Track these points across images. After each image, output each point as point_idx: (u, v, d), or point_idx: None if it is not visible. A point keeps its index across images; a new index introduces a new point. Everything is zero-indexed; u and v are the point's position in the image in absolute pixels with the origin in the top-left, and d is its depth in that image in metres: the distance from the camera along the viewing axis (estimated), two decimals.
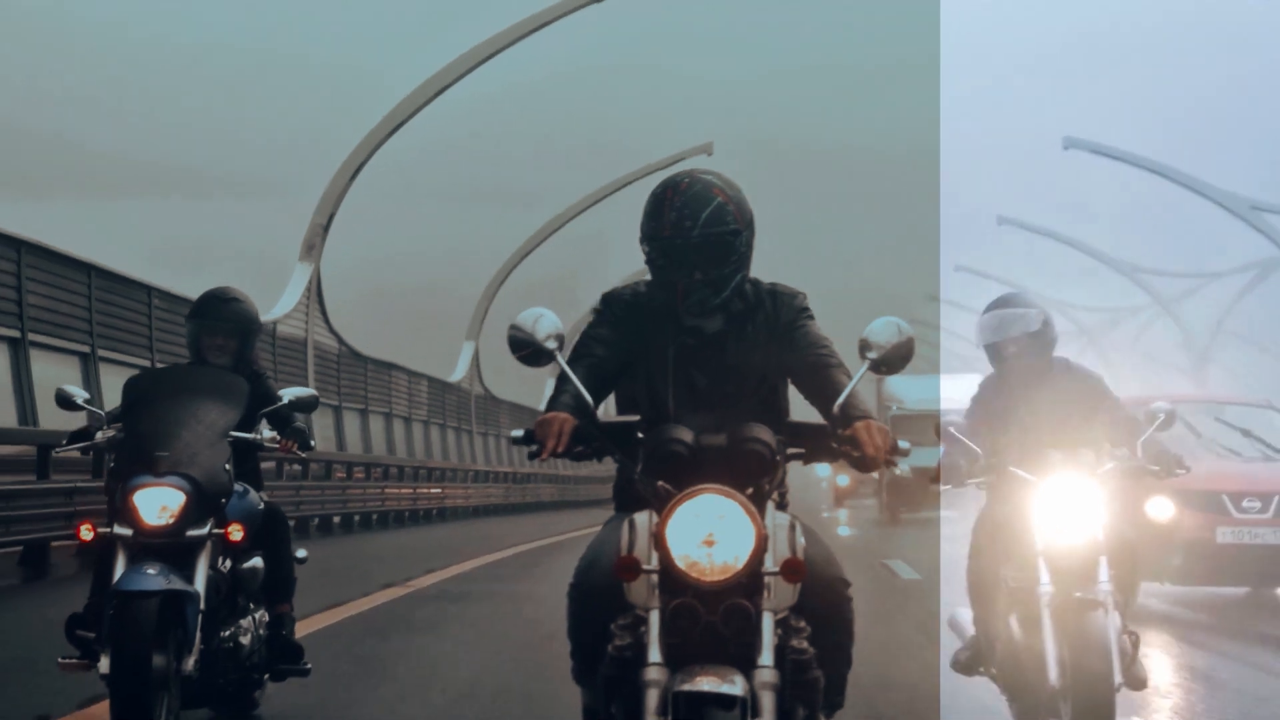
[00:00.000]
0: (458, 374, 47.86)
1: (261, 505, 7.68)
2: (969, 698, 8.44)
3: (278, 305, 32.23)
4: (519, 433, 4.78)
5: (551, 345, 4.81)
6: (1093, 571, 7.13)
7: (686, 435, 4.57)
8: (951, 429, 7.50)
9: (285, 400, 7.73)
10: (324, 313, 34.27)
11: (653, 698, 4.29)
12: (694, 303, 4.95)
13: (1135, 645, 7.42)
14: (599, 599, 4.67)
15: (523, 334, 4.82)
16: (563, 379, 4.83)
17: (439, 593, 15.23)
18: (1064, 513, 7.20)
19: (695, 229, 4.86)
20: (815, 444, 4.80)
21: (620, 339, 5.04)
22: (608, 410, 5.03)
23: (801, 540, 4.67)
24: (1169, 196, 52.78)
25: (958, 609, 8.06)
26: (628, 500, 4.98)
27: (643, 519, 4.60)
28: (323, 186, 33.29)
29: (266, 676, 7.78)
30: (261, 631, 7.61)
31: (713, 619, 4.39)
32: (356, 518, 30.34)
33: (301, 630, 8.40)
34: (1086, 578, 7.12)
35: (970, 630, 7.82)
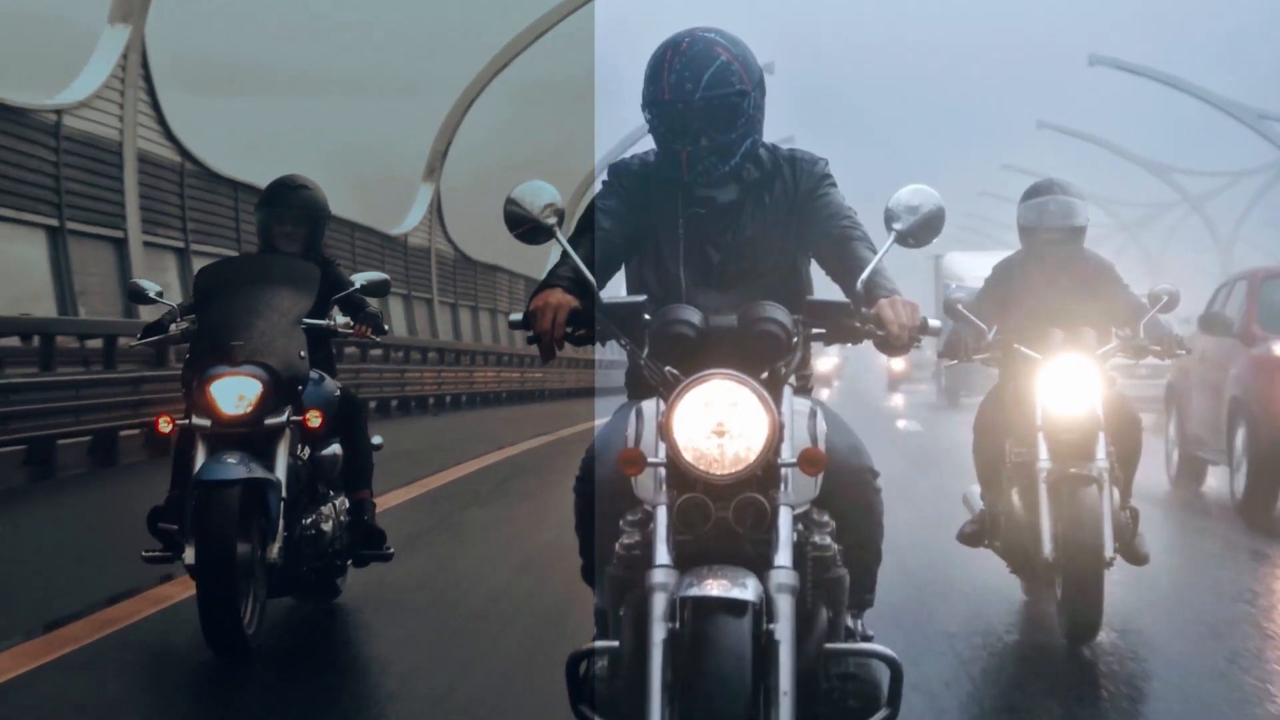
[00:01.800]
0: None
1: (337, 392, 7.66)
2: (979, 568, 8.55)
3: (406, 220, 35.43)
4: (517, 316, 4.41)
5: (550, 220, 4.41)
6: (1091, 448, 7.27)
7: (694, 316, 4.22)
8: (960, 306, 7.56)
9: (357, 285, 7.69)
10: (443, 226, 37.46)
11: (659, 602, 3.93)
12: (700, 171, 4.58)
13: (1135, 520, 7.56)
14: (606, 493, 4.39)
15: (519, 209, 4.41)
16: (563, 256, 4.45)
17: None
18: (1064, 390, 7.32)
19: (698, 91, 4.48)
20: (837, 323, 4.37)
21: (628, 212, 4.68)
22: (617, 290, 4.63)
23: (824, 428, 4.35)
24: (1191, 104, 53.09)
25: (970, 485, 8.21)
26: (639, 387, 4.62)
27: (650, 407, 4.26)
28: (453, 93, 34.67)
29: (349, 562, 7.80)
30: (342, 518, 7.61)
31: (725, 515, 4.04)
32: (413, 402, 30.37)
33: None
34: (1084, 453, 7.26)
35: (979, 504, 7.96)
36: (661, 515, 4.04)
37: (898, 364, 46.17)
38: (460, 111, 37.01)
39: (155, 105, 22.89)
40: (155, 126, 22.94)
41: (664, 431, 4.06)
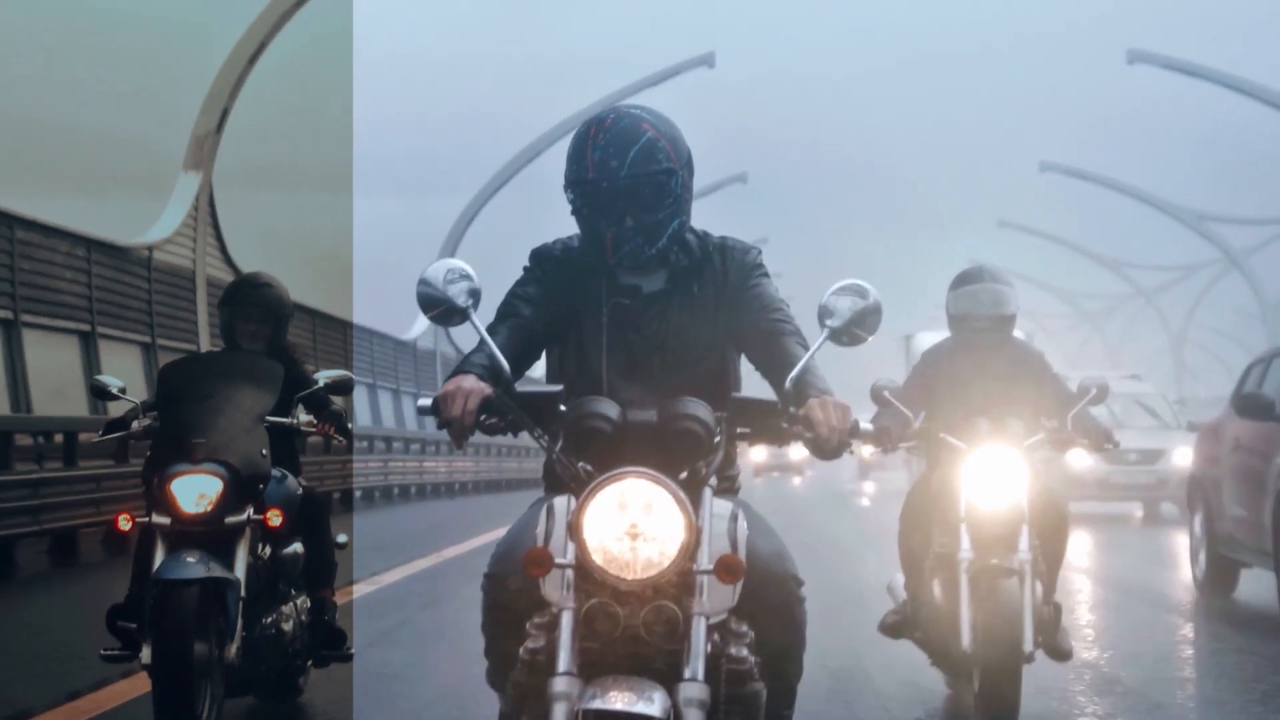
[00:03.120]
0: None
1: (300, 490, 7.63)
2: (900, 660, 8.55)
3: (153, 229, 26.61)
4: (425, 402, 4.18)
5: (465, 303, 4.18)
6: (1014, 540, 7.24)
7: (611, 410, 4.01)
8: (886, 392, 7.48)
9: (321, 383, 7.68)
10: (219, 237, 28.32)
11: (559, 713, 3.72)
12: (626, 254, 4.38)
13: (1058, 615, 7.53)
14: (514, 593, 4.13)
15: (433, 290, 4.20)
16: (479, 342, 4.25)
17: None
18: (988, 481, 7.29)
19: (623, 169, 4.29)
20: (763, 423, 4.17)
21: (549, 299, 4.46)
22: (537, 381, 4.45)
23: (745, 532, 4.11)
24: (1238, 128, 51.63)
25: (895, 574, 8.15)
26: (556, 480, 4.36)
27: (561, 504, 4.03)
28: None
29: (309, 662, 7.74)
30: (303, 617, 7.57)
31: (635, 623, 3.82)
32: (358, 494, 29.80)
33: None
34: (1007, 546, 7.23)
35: (902, 594, 7.92)
36: (566, 621, 3.83)
37: (867, 451, 45.95)
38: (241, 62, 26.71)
39: (219, 236, 26.32)
40: (218, 254, 26.35)
41: (573, 531, 3.84)
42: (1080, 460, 22.61)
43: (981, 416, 7.42)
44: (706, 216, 4.68)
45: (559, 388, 4.12)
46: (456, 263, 4.24)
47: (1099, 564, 17.60)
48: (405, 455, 32.46)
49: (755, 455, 46.23)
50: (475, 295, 4.21)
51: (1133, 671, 9.04)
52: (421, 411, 4.22)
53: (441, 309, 4.21)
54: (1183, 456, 22.73)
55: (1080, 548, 18.65)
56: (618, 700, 3.68)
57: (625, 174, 4.30)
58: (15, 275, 19.47)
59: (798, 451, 51.27)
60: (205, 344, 24.27)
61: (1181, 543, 19.17)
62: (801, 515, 26.32)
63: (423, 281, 4.20)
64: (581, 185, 4.36)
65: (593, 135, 4.33)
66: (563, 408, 4.06)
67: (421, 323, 35.65)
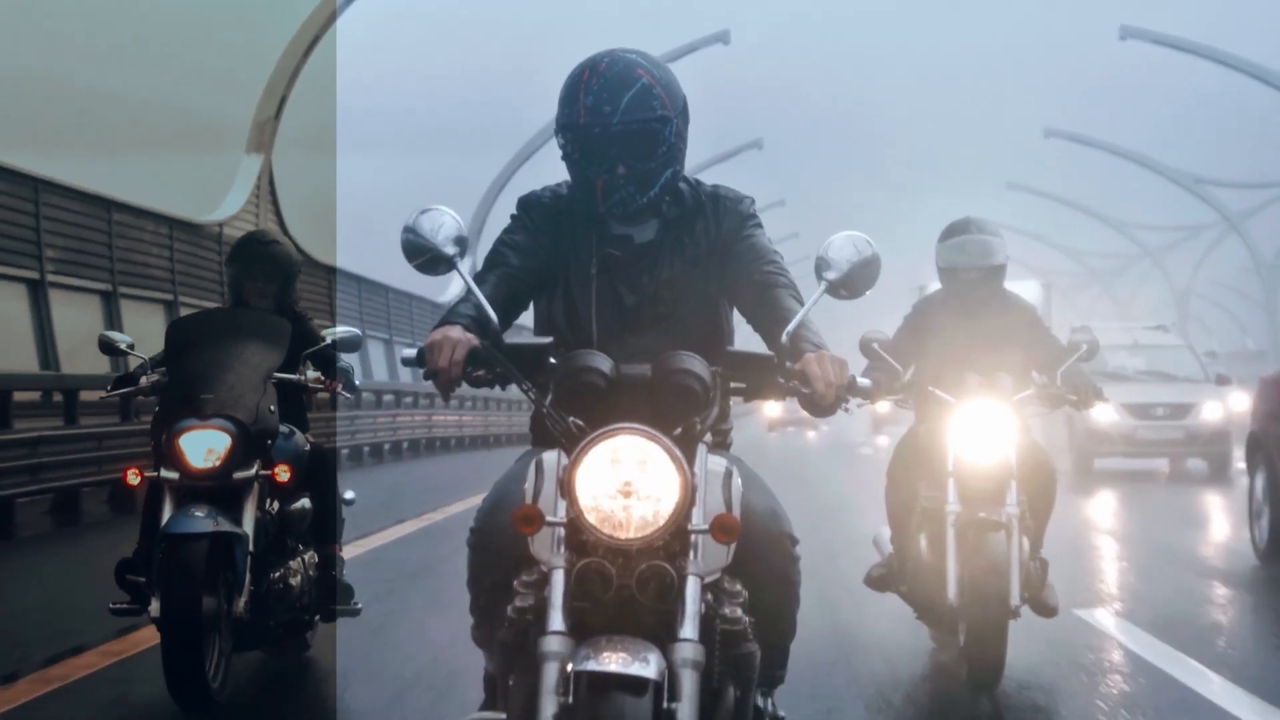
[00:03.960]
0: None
1: (307, 446, 7.67)
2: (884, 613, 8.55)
3: (220, 207, 29.04)
4: (410, 352, 4.05)
5: (451, 250, 4.04)
6: (1001, 494, 7.22)
7: (604, 364, 3.86)
8: (875, 345, 7.44)
9: (328, 340, 7.71)
10: (278, 213, 31.10)
11: (551, 673, 3.60)
12: (616, 202, 4.25)
13: (1044, 571, 7.51)
14: (501, 550, 4.01)
15: (418, 237, 4.05)
16: (465, 291, 4.12)
17: None
18: (977, 435, 7.27)
19: (616, 115, 4.15)
20: (758, 378, 4.05)
21: (538, 248, 4.33)
22: (524, 332, 4.28)
23: (739, 489, 3.99)
24: (1233, 94, 52.21)
25: (881, 527, 8.13)
26: (544, 435, 4.21)
27: (551, 459, 3.89)
28: None
29: (317, 617, 7.79)
30: (311, 572, 7.61)
31: (628, 583, 3.71)
32: (366, 449, 29.63)
33: None
34: (994, 500, 7.21)
35: (888, 548, 7.91)
36: (558, 580, 3.71)
37: (882, 407, 45.73)
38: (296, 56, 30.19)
39: (278, 212, 29.27)
40: (278, 228, 28.60)
41: (565, 488, 3.72)
42: (1105, 415, 22.30)
43: (971, 370, 7.39)
44: (724, 180, 4.58)
45: (549, 340, 3.99)
46: (443, 209, 4.10)
47: (1127, 524, 17.06)
48: (414, 409, 32.36)
49: (769, 410, 45.70)
50: (462, 244, 4.08)
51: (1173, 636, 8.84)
52: (406, 362, 4.11)
53: (427, 257, 4.07)
54: (1212, 411, 23.17)
55: (1105, 506, 18.44)
56: (611, 661, 3.56)
57: (618, 120, 4.17)
58: (113, 252, 21.83)
59: None
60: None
61: (1212, 502, 19.23)
62: (810, 469, 26.27)
63: (407, 229, 4.07)
64: (573, 130, 4.22)
65: (586, 79, 4.19)
66: (553, 360, 3.94)
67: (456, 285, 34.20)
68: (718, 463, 3.99)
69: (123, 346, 7.55)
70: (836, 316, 5.06)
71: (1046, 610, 7.56)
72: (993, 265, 7.71)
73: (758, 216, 4.45)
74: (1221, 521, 16.98)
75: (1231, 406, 29.55)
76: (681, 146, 4.31)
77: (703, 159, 49.98)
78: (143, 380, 7.48)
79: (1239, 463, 24.31)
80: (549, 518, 3.74)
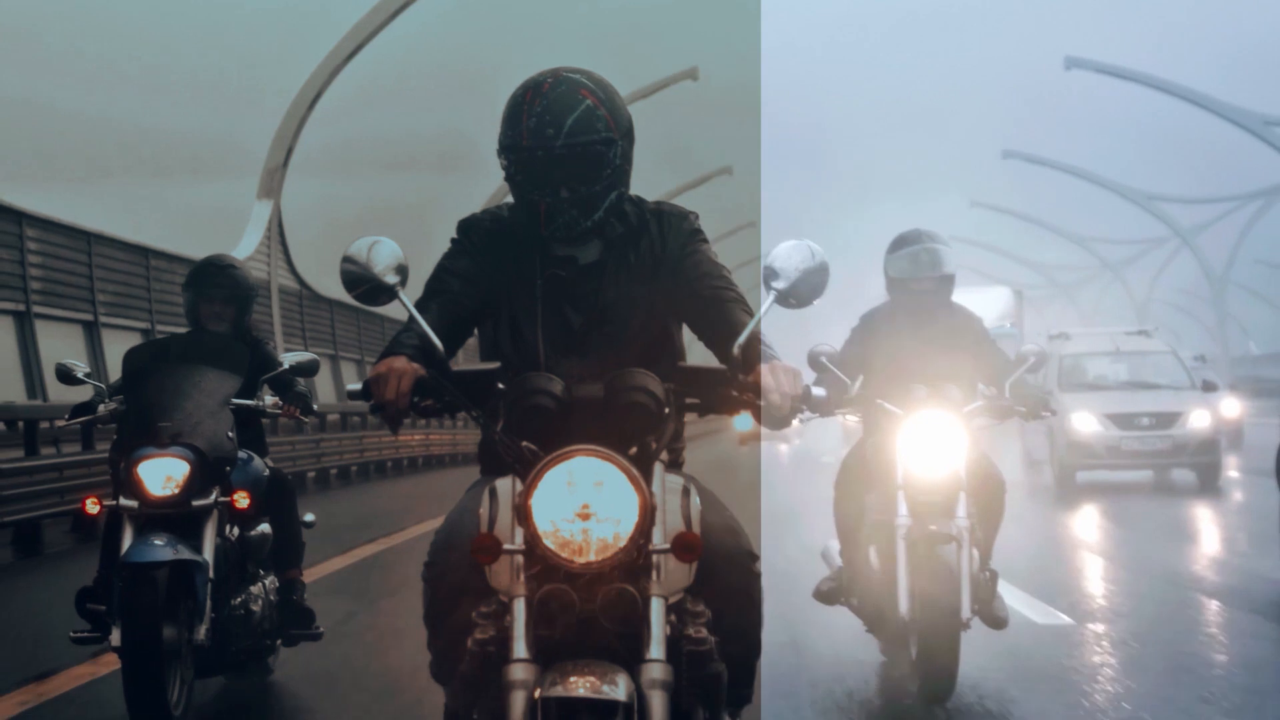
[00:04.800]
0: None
1: (267, 472, 7.67)
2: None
3: (238, 248, 31.23)
4: (356, 386, 3.93)
5: (392, 280, 3.94)
6: (951, 506, 7.23)
7: (555, 386, 3.79)
8: (823, 358, 7.46)
9: (286, 365, 7.72)
10: (286, 254, 33.45)
11: (518, 702, 3.54)
12: (560, 225, 4.14)
13: (994, 582, 7.49)
14: (458, 582, 3.91)
15: (357, 267, 3.95)
16: (408, 320, 4.01)
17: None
18: (926, 447, 7.27)
19: (559, 138, 4.05)
20: (712, 392, 3.96)
21: (480, 272, 4.22)
22: (471, 358, 4.25)
23: (698, 507, 3.94)
24: (1179, 116, 53.59)
25: (830, 540, 8.13)
26: (494, 461, 4.15)
27: (505, 486, 3.83)
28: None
29: (279, 642, 7.78)
30: (272, 597, 7.61)
31: (591, 607, 3.64)
32: (334, 471, 29.22)
33: None
34: (944, 512, 7.22)
35: (837, 561, 7.91)
36: (519, 608, 3.64)
37: (853, 418, 45.68)
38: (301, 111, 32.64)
39: (286, 253, 32.10)
40: (286, 267, 32.25)
41: (521, 514, 3.65)
42: (1087, 425, 21.66)
43: (919, 383, 7.39)
44: (698, 205, 4.52)
45: (496, 365, 3.90)
46: (382, 239, 4.00)
47: (1112, 540, 16.31)
48: (381, 429, 31.98)
49: (739, 424, 45.74)
50: (403, 272, 3.98)
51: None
52: (352, 396, 4.01)
53: (367, 287, 3.97)
54: (1200, 419, 21.69)
55: (1089, 521, 17.95)
56: (580, 685, 3.50)
57: (561, 143, 4.07)
58: (151, 294, 24.52)
59: None
60: (280, 340, 30.00)
61: (1201, 515, 18.41)
62: (781, 482, 26.26)
63: (346, 259, 3.98)
64: (515, 151, 4.12)
65: (529, 100, 4.10)
66: (501, 385, 3.86)
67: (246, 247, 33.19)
68: (675, 481, 3.94)
69: (80, 375, 7.54)
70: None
71: (997, 622, 7.55)
72: (943, 275, 7.75)
73: (702, 232, 4.36)
74: (1213, 535, 16.54)
75: (1223, 413, 27.78)
76: (626, 168, 4.22)
77: (673, 186, 50.76)
78: (101, 408, 7.48)
79: (1230, 472, 23.87)
80: (506, 545, 3.67)
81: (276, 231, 31.55)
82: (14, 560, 15.53)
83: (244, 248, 30.05)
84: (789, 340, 4.25)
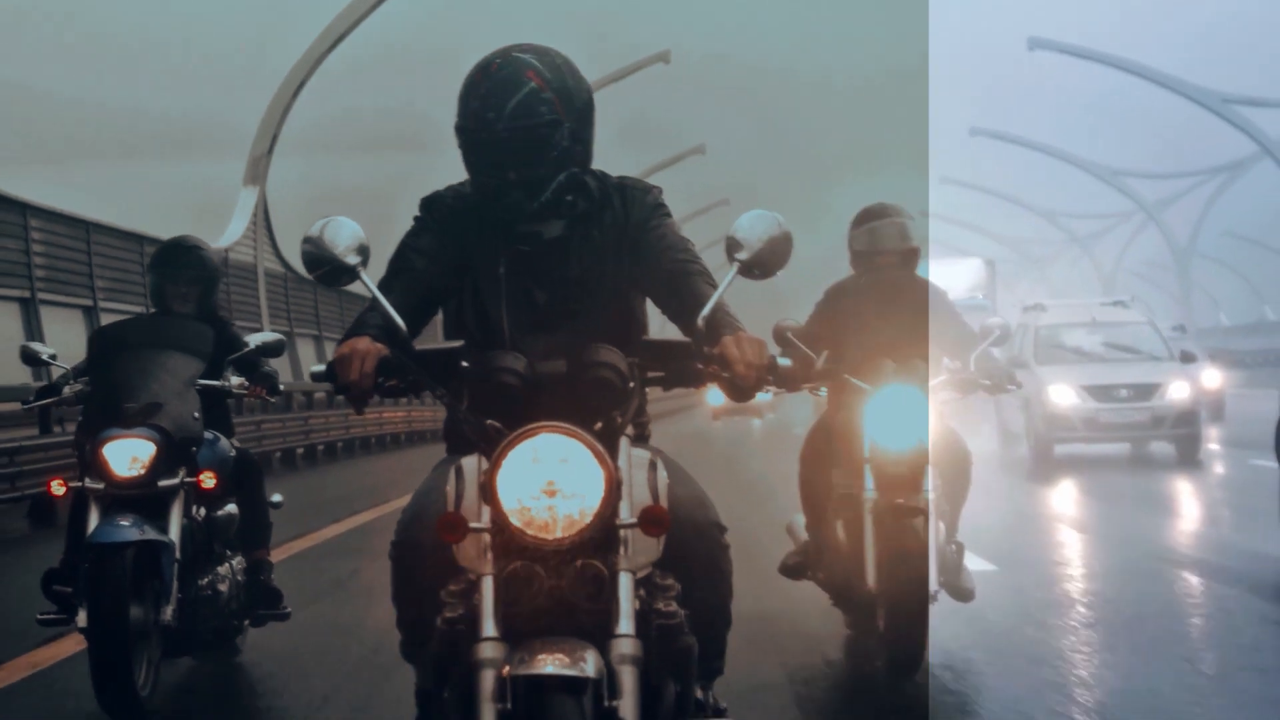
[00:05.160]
0: None
1: (233, 452, 7.67)
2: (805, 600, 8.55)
3: (225, 235, 32.27)
4: (319, 368, 3.95)
5: (353, 260, 3.93)
6: (918, 480, 7.25)
7: (518, 363, 3.80)
8: (788, 333, 7.44)
9: (252, 346, 7.71)
10: (272, 239, 34.30)
11: (487, 680, 3.54)
12: (507, 206, 4.15)
13: (960, 555, 7.57)
14: (426, 561, 3.91)
15: (318, 249, 3.94)
16: (371, 300, 4.01)
17: None
18: (893, 421, 7.29)
19: (500, 121, 4.05)
20: (677, 365, 3.96)
21: (444, 250, 4.23)
22: (437, 336, 4.22)
23: (665, 481, 3.94)
24: (1141, 92, 54.29)
25: (795, 515, 8.13)
26: (460, 440, 4.14)
27: (471, 465, 3.83)
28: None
29: (246, 622, 7.79)
30: (239, 578, 7.61)
31: (558, 584, 3.67)
32: (320, 448, 29.28)
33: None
34: (911, 486, 7.23)
35: (803, 535, 7.92)
36: (487, 586, 3.65)
37: (823, 392, 45.58)
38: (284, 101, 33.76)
39: (271, 238, 33.47)
40: (271, 252, 33.68)
41: (487, 493, 3.65)
42: (1065, 398, 21.23)
43: (884, 356, 7.41)
44: (670, 183, 4.48)
45: (459, 343, 3.92)
46: (342, 219, 3.99)
47: (1090, 514, 15.88)
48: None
49: (712, 398, 45.65)
50: (364, 252, 3.97)
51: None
52: (316, 377, 4.03)
53: (328, 268, 3.96)
54: (1179, 391, 21.23)
55: (1066, 495, 17.70)
56: (548, 663, 3.50)
57: (503, 126, 4.06)
58: (146, 281, 23.45)
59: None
60: (266, 321, 31.39)
61: (1183, 489, 18.13)
62: (754, 456, 26.26)
63: (307, 240, 3.97)
64: (464, 133, 4.14)
65: (477, 81, 4.11)
66: (465, 364, 3.86)
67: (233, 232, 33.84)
68: (641, 455, 3.93)
69: (45, 357, 7.54)
70: None
71: (963, 594, 7.61)
72: (910, 248, 7.77)
73: (666, 206, 4.37)
74: (1193, 509, 16.33)
75: (1204, 384, 27.30)
76: (579, 149, 4.19)
77: (648, 165, 51.14)
78: (66, 390, 7.47)
79: (1211, 444, 23.50)
80: (473, 524, 3.67)
81: (263, 218, 33.04)
82: None
83: (231, 233, 31.58)
84: (760, 316, 4.23)
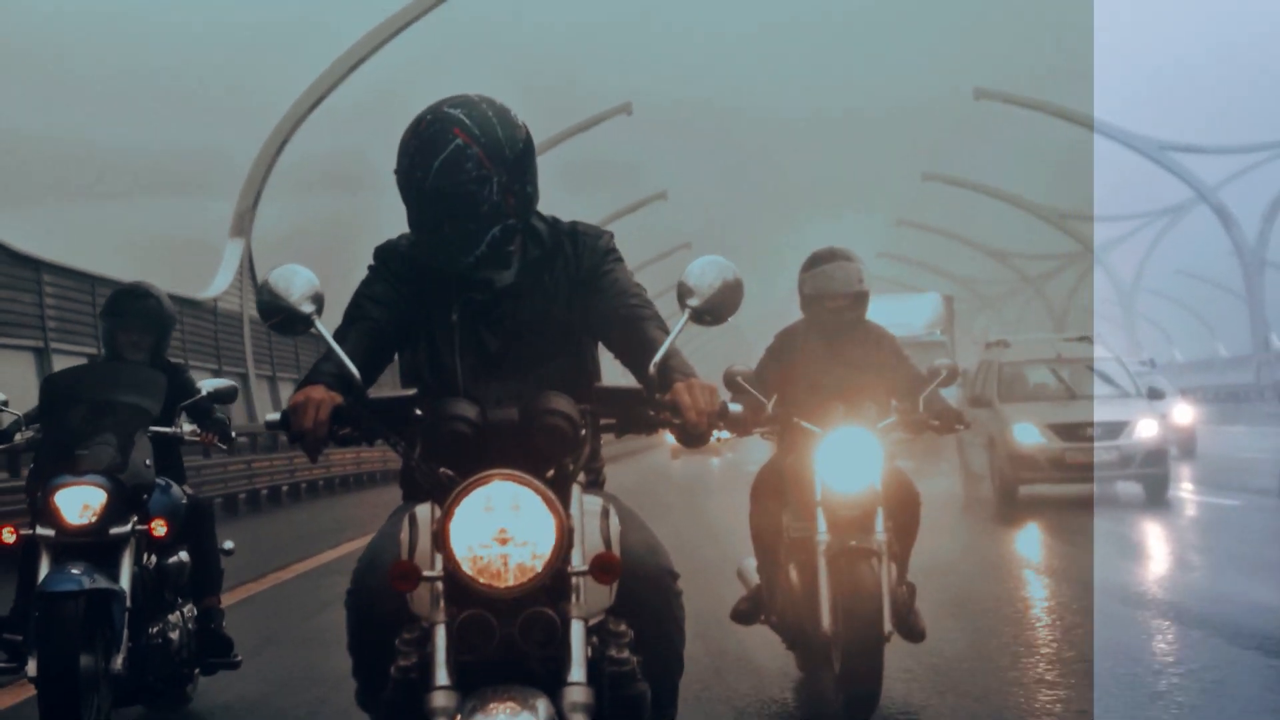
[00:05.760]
0: None
1: (185, 499, 7.64)
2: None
3: (212, 285, 34.20)
4: (274, 416, 3.97)
5: (308, 309, 3.95)
6: (870, 522, 7.33)
7: (470, 411, 3.83)
8: (739, 379, 7.51)
9: (204, 392, 7.70)
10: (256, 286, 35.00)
11: None
12: (445, 259, 4.19)
13: (912, 596, 7.63)
14: (380, 610, 3.93)
15: (273, 297, 3.96)
16: (327, 349, 4.03)
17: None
18: (844, 464, 7.36)
19: (428, 179, 4.10)
20: (629, 412, 4.00)
21: (398, 298, 4.27)
22: (395, 384, 4.26)
23: (618, 528, 4.01)
24: (1086, 141, 55.46)
25: (745, 558, 8.18)
26: (415, 488, 4.19)
27: (424, 512, 3.87)
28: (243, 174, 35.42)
29: (197, 671, 7.76)
30: (190, 626, 7.58)
31: (510, 631, 3.67)
32: (264, 492, 28.57)
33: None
34: (863, 528, 7.31)
35: (754, 578, 7.96)
36: (440, 635, 3.68)
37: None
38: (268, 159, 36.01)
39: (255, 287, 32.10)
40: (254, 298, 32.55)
41: (439, 541, 3.67)
42: (1029, 437, 20.40)
43: (834, 399, 7.48)
44: (633, 229, 4.52)
45: (413, 391, 3.94)
46: (297, 267, 4.01)
47: (1055, 556, 15.62)
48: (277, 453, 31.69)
49: (670, 438, 45.62)
50: (318, 300, 3.99)
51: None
52: (270, 426, 4.03)
53: (282, 316, 3.99)
54: (1147, 429, 20.57)
55: (1030, 538, 17.37)
56: (499, 711, 3.53)
57: (430, 184, 4.11)
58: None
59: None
60: (251, 366, 33.51)
61: (1151, 531, 17.43)
62: (711, 496, 26.22)
63: (262, 289, 4.00)
64: (400, 189, 4.19)
65: (407, 140, 4.17)
66: (419, 412, 3.89)
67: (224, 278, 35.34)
68: (593, 502, 3.98)
69: None
70: None
71: (915, 635, 7.66)
72: (859, 291, 7.81)
73: (617, 250, 4.40)
74: (1161, 550, 15.96)
75: (1175, 420, 26.81)
76: (514, 199, 4.20)
77: (611, 211, 51.82)
78: (17, 437, 7.44)
79: (1184, 484, 22.81)
80: (426, 572, 3.70)
81: (248, 269, 35.12)
82: None
83: (217, 285, 33.83)
84: (723, 358, 4.26)
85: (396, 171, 4.17)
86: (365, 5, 33.50)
